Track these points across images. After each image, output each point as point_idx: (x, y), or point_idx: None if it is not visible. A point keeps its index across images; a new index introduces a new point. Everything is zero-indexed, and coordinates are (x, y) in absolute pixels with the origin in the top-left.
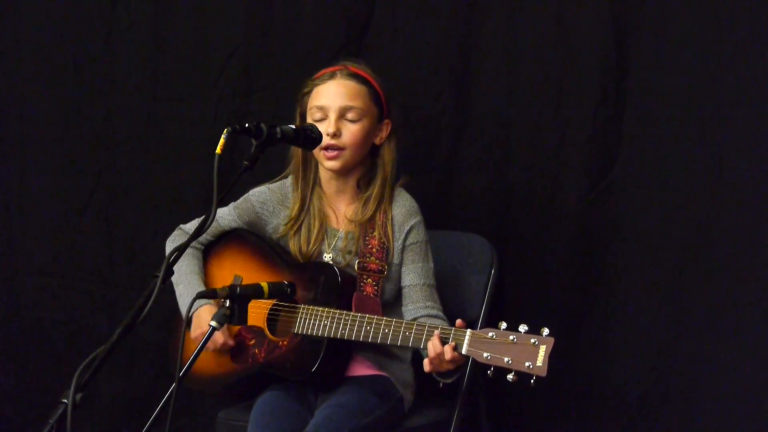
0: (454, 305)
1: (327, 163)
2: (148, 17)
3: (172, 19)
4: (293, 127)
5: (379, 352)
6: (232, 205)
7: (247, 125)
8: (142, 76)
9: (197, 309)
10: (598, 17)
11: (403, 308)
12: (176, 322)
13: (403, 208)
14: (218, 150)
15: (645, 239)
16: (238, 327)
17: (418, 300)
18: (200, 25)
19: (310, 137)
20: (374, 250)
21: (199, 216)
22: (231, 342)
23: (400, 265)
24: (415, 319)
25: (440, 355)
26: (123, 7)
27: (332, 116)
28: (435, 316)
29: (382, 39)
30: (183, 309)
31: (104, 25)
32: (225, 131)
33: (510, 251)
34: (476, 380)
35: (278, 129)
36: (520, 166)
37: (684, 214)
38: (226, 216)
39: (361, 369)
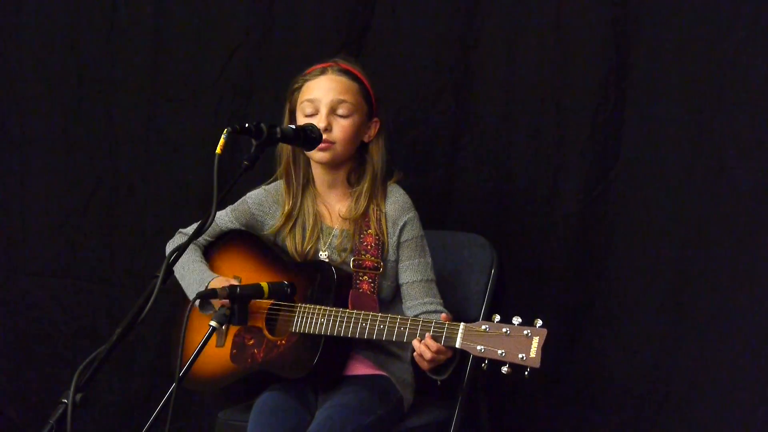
0: (454, 305)
1: (317, 155)
2: (148, 17)
3: (172, 19)
4: (293, 127)
5: (379, 351)
6: (229, 207)
7: (247, 125)
8: (142, 76)
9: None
10: (598, 17)
11: (403, 306)
12: (179, 317)
13: (397, 204)
14: (218, 150)
15: (645, 239)
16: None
17: (417, 297)
18: (200, 25)
19: (309, 137)
20: (369, 247)
21: (199, 217)
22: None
23: (397, 262)
24: (416, 317)
25: (422, 354)
26: (123, 7)
27: (323, 110)
28: (435, 311)
29: (382, 39)
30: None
31: (104, 25)
32: (225, 131)
33: (510, 251)
34: (476, 380)
35: (278, 129)
36: (520, 166)
37: (684, 214)
38: (223, 218)
39: (361, 368)
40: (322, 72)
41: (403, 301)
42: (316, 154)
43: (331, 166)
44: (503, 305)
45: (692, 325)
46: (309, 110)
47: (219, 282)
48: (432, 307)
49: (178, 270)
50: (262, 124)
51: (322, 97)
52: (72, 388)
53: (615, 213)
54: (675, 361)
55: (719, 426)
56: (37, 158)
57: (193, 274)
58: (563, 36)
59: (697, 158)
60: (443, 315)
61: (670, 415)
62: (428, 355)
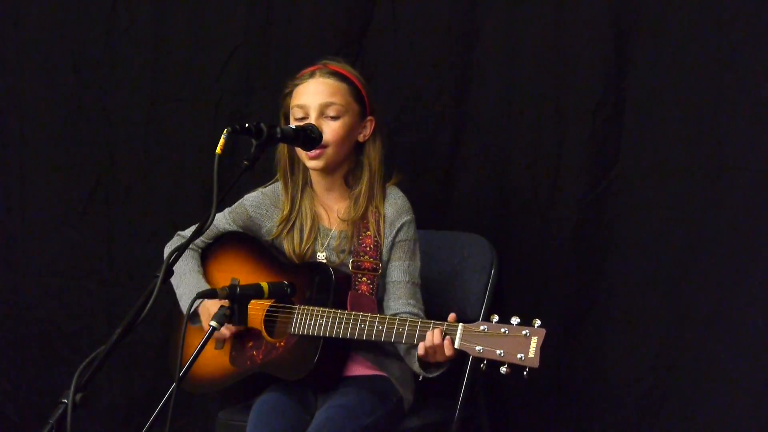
0: (454, 305)
1: (310, 163)
2: (148, 17)
3: (172, 19)
4: (293, 127)
5: (379, 352)
6: (226, 209)
7: (247, 125)
8: (142, 76)
9: (200, 304)
10: (597, 17)
11: (384, 302)
12: (175, 323)
13: (395, 206)
14: (218, 150)
15: (645, 239)
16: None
17: (400, 297)
18: (200, 25)
19: (309, 137)
20: (368, 248)
21: (199, 218)
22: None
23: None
24: (395, 315)
25: (435, 347)
26: (123, 7)
27: (313, 114)
28: (416, 315)
29: (382, 39)
30: (184, 310)
31: (104, 25)
32: (225, 131)
33: (510, 251)
34: (476, 380)
35: (278, 129)
36: (520, 166)
37: (684, 215)
38: (221, 220)
39: (361, 369)
40: (311, 76)
41: (386, 297)
42: (310, 163)
43: (327, 171)
44: (503, 305)
45: (692, 325)
46: (299, 115)
47: (213, 301)
48: (414, 310)
49: (175, 276)
50: (262, 124)
51: (310, 101)
52: (72, 388)
53: (615, 213)
54: (675, 361)
55: (719, 426)
56: (37, 158)
57: (188, 285)
58: (563, 36)
59: (697, 158)
60: (451, 315)
61: (670, 415)
62: (429, 343)
